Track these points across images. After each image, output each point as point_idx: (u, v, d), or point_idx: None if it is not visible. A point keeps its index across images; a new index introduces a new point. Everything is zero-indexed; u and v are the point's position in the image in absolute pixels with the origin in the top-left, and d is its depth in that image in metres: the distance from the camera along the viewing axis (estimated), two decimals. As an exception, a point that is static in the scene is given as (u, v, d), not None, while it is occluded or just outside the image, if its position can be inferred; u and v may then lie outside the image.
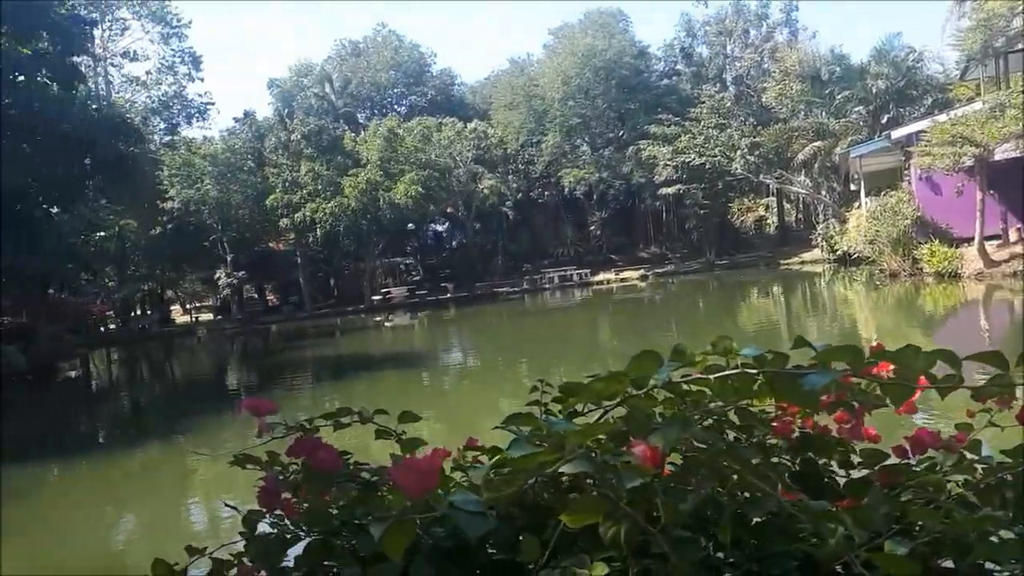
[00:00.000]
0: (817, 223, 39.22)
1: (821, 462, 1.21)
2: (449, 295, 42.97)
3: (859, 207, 30.31)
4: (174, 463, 11.78)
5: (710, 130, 40.79)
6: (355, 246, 41.87)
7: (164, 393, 21.67)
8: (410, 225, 43.45)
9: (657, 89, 48.27)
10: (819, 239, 37.14)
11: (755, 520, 1.07)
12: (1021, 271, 20.87)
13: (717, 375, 0.96)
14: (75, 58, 22.55)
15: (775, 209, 48.30)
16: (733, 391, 1.02)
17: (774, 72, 42.64)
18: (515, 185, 47.69)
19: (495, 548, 1.08)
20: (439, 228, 53.15)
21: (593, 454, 0.89)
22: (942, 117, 23.05)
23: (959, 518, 0.93)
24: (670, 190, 41.66)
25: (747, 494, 1.09)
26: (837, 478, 1.22)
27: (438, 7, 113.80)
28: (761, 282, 33.63)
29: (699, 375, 1.00)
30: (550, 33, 50.86)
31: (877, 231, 25.66)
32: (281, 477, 1.40)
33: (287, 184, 39.80)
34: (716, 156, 39.84)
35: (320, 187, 39.43)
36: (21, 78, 19.85)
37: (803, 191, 40.25)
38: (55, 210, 23.72)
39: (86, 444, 14.34)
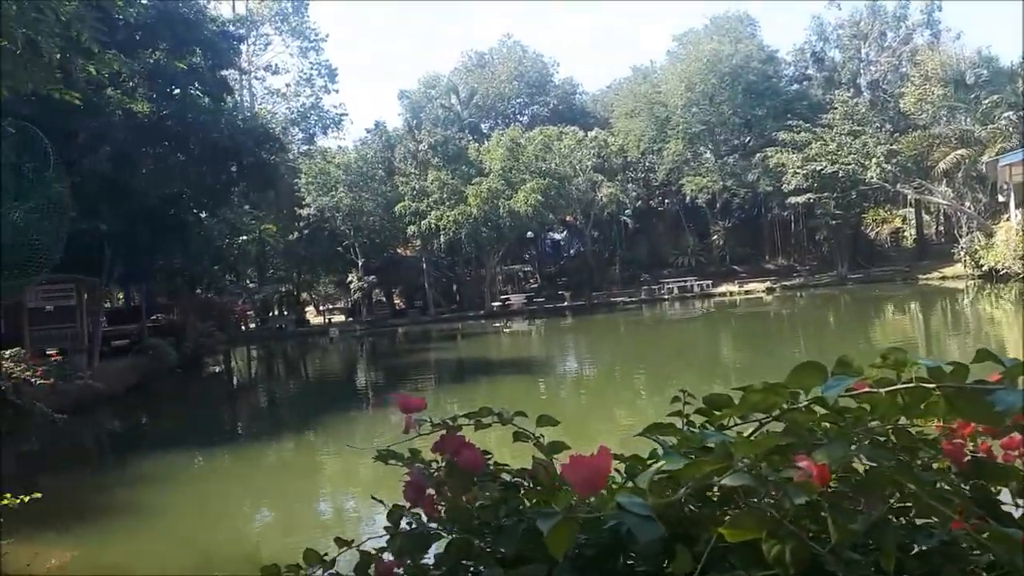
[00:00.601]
0: (960, 236, 36.59)
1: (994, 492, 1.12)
2: (566, 303, 42.99)
3: (1008, 220, 28.08)
4: (304, 457, 12.37)
5: (843, 137, 38.93)
6: (476, 253, 42.70)
7: (297, 390, 22.82)
8: (529, 233, 43.85)
9: (786, 95, 46.56)
10: (962, 253, 34.63)
11: (918, 548, 1.00)
12: None
13: (888, 388, 0.91)
14: (224, 72, 24.24)
15: (913, 221, 45.40)
16: (899, 408, 0.96)
17: (913, 76, 40.22)
18: (634, 193, 47.18)
19: (640, 559, 1.06)
20: (557, 236, 53.32)
21: (753, 469, 0.86)
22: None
23: None
24: (799, 199, 40.03)
25: (915, 520, 1.03)
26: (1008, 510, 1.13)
27: (562, 19, 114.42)
28: (897, 298, 31.69)
29: (867, 389, 0.95)
30: (674, 39, 50.12)
31: (1033, 245, 23.67)
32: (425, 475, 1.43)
33: (414, 192, 41.12)
34: (849, 164, 37.97)
35: (445, 195, 40.51)
36: (176, 91, 21.51)
37: (944, 202, 37.69)
38: (204, 215, 25.52)
39: (226, 435, 15.30)
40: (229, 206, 27.47)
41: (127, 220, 19.97)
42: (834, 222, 40.63)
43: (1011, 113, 35.26)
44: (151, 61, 19.20)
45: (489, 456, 1.44)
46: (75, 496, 9.81)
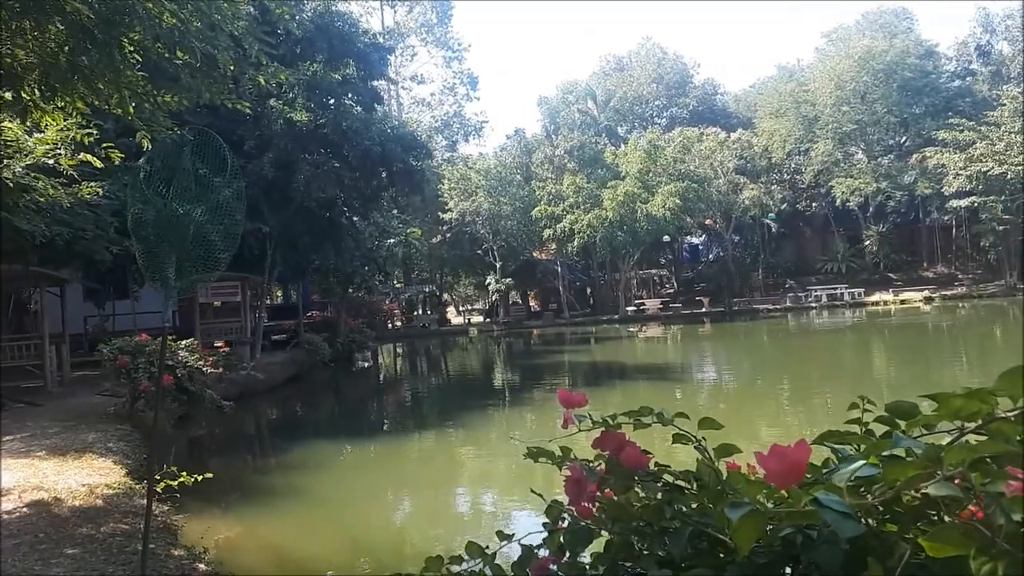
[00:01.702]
0: None
1: None
2: (704, 309, 41.85)
3: None
4: (444, 450, 12.75)
5: (1012, 136, 35.65)
6: (611, 256, 42.43)
7: (439, 386, 23.56)
8: (666, 237, 43.05)
9: (947, 91, 43.26)
10: None
11: None
12: None
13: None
14: (375, 82, 25.41)
15: (1096, 226, 40.84)
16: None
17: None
18: (779, 196, 45.28)
19: (821, 567, 1.02)
20: (695, 241, 52.03)
21: (962, 480, 0.81)
22: None
23: None
24: (962, 203, 37.03)
25: None
26: None
27: (704, 18, 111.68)
28: (1082, 312, 28.61)
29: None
30: (823, 36, 47.94)
31: None
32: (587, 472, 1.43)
33: (551, 196, 41.45)
34: (1019, 165, 34.70)
35: (580, 199, 40.55)
36: (332, 101, 22.77)
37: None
38: (356, 218, 26.88)
39: (373, 427, 16.04)
40: (379, 210, 28.77)
41: (287, 222, 21.37)
42: (1001, 228, 37.27)
43: None
44: (309, 73, 20.42)
45: (651, 456, 1.43)
46: (239, 478, 10.60)
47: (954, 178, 36.80)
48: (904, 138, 44.45)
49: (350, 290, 30.40)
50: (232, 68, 6.51)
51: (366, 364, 29.86)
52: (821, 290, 41.23)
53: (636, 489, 1.41)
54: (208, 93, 6.62)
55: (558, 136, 45.83)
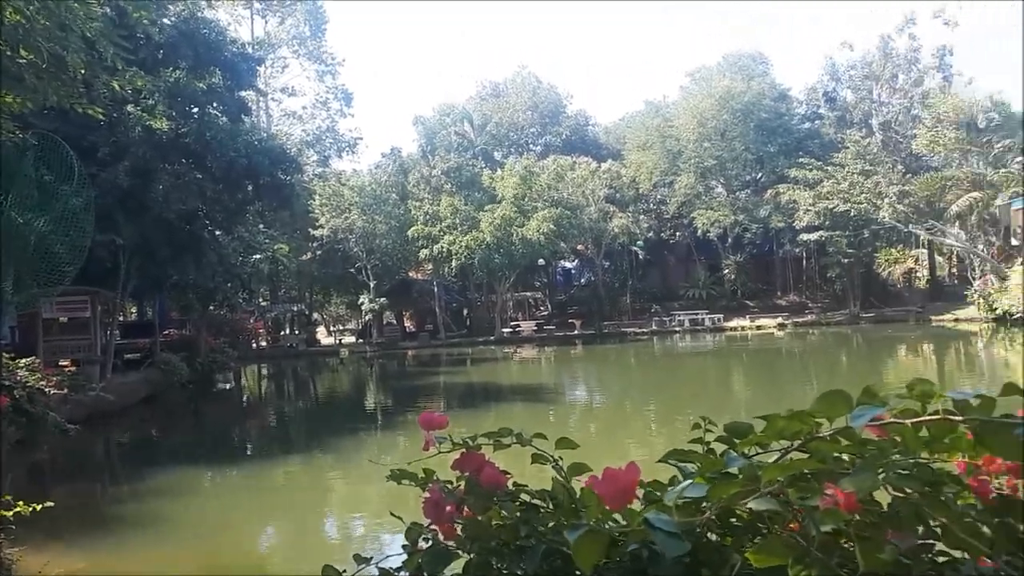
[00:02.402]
0: (973, 279, 36.44)
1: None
2: (576, 332, 42.89)
3: (1021, 263, 27.95)
4: (312, 476, 12.34)
5: (855, 176, 38.99)
6: (487, 279, 42.79)
7: (306, 409, 22.81)
8: (540, 261, 43.96)
9: (798, 133, 46.83)
10: (975, 296, 34.44)
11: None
12: None
13: (914, 420, 0.92)
14: (242, 92, 24.57)
15: (926, 262, 45.23)
16: (924, 442, 0.97)
17: (925, 119, 40.38)
18: (646, 225, 47.30)
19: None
20: (568, 265, 53.40)
21: (780, 495, 0.87)
22: None
23: None
24: (811, 236, 40.01)
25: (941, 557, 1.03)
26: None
27: (576, 51, 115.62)
28: (911, 339, 31.50)
29: (892, 419, 0.96)
30: (687, 75, 50.64)
31: (1045, 290, 23.52)
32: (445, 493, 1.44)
33: (427, 217, 41.37)
34: (862, 203, 37.98)
35: (458, 221, 40.73)
36: (195, 110, 21.82)
37: (957, 244, 37.60)
38: (219, 232, 25.72)
39: (235, 451, 15.30)
40: (244, 225, 27.69)
41: (143, 234, 20.13)
42: (846, 260, 40.56)
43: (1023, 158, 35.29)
44: (172, 80, 19.49)
45: (509, 476, 1.46)
46: (86, 507, 9.84)
47: (804, 213, 39.66)
48: (760, 174, 47.52)
49: (211, 307, 29.02)
50: (84, 71, 6.12)
51: (227, 385, 28.56)
52: (684, 315, 43.23)
53: (497, 509, 1.43)
54: (56, 96, 6.20)
55: (435, 157, 45.95)
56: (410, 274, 46.75)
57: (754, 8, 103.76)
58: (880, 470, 1.02)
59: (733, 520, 1.10)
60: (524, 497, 1.43)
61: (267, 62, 46.30)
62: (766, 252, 47.71)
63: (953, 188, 36.99)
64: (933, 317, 38.05)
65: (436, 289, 43.88)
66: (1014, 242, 33.24)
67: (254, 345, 40.81)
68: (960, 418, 0.87)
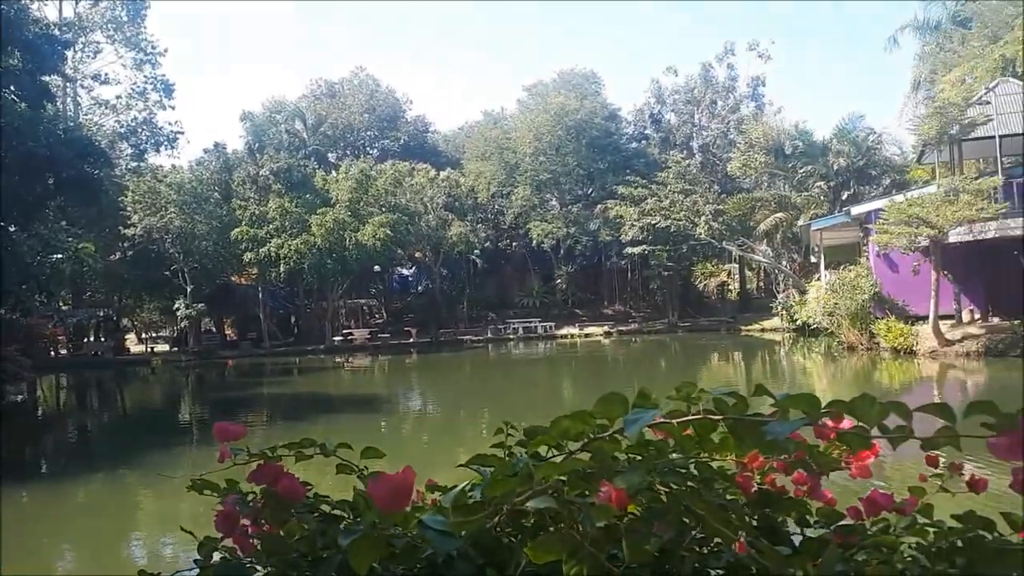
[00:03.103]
0: (777, 292, 40.01)
1: (779, 520, 1.23)
2: (412, 340, 42.63)
3: (819, 279, 31.02)
4: (117, 496, 11.39)
5: (676, 195, 41.66)
6: (318, 284, 41.54)
7: (112, 423, 21.05)
8: (376, 267, 43.33)
9: (626, 151, 49.40)
10: (779, 308, 37.81)
11: (715, 572, 1.09)
12: (974, 351, 21.49)
13: (680, 420, 0.99)
14: (45, 77, 22.38)
15: (737, 276, 49.21)
16: (694, 441, 1.05)
17: (739, 143, 43.95)
18: (484, 234, 48.05)
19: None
20: (405, 272, 53.10)
21: (557, 493, 0.91)
22: (899, 197, 23.85)
23: None
24: (636, 250, 42.28)
25: (707, 548, 1.11)
26: (793, 538, 1.25)
27: (416, 56, 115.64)
28: (722, 347, 34.02)
29: (661, 420, 1.03)
30: (524, 89, 52.11)
31: (836, 304, 26.26)
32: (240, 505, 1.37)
33: (253, 218, 39.54)
34: (681, 220, 40.62)
35: (287, 223, 39.26)
36: (-12, 93, 19.65)
37: (764, 260, 41.13)
38: (13, 228, 23.19)
39: (27, 470, 13.80)
40: (43, 221, 25.15)
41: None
42: (666, 273, 43.24)
43: (822, 183, 39.31)
44: (-39, 58, 17.52)
45: (309, 487, 1.42)
46: None
47: (630, 228, 41.83)
48: (591, 189, 49.66)
49: (1, 311, 26.06)
50: None
51: (19, 397, 25.82)
52: (518, 323, 44.23)
53: (298, 523, 1.38)
54: None
55: (263, 155, 44.10)
56: (232, 279, 44.42)
57: (592, 26, 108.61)
58: (655, 468, 1.09)
59: (524, 521, 1.13)
60: (324, 508, 1.40)
61: (77, 46, 42.50)
62: (595, 264, 49.92)
63: (762, 208, 40.45)
64: (742, 327, 41.33)
65: (261, 295, 42.02)
66: (813, 259, 36.80)
67: (52, 353, 37.13)
68: (719, 417, 0.95)
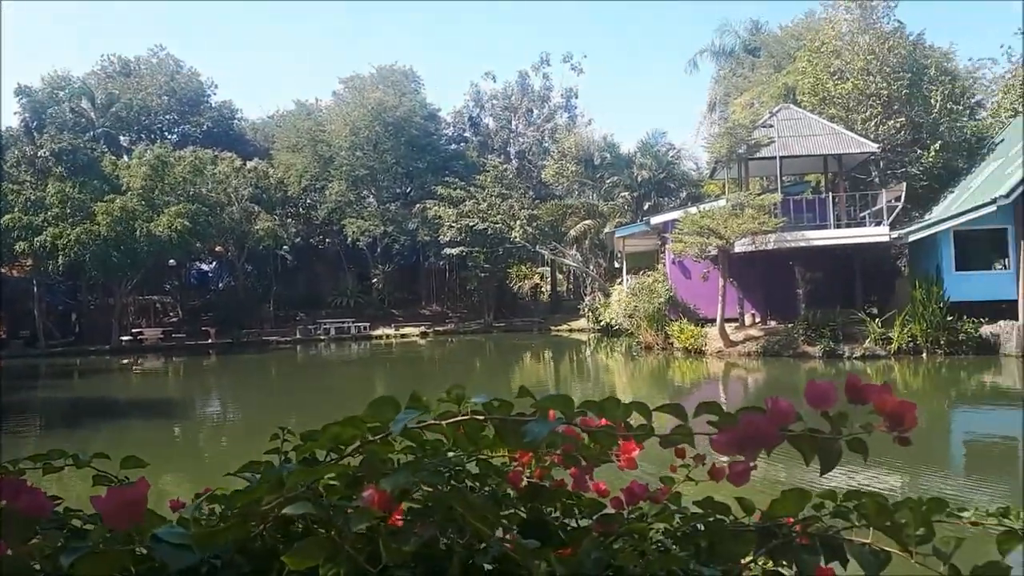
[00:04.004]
0: (585, 295, 42.08)
1: (551, 512, 1.30)
2: (211, 340, 40.12)
3: (621, 283, 32.99)
4: None
5: (493, 198, 42.59)
6: (104, 279, 38.04)
7: None
8: (171, 261, 40.43)
9: (445, 152, 49.80)
10: (586, 310, 39.78)
11: (489, 567, 1.12)
12: (754, 351, 23.81)
13: (448, 421, 1.01)
14: None
15: (549, 278, 51.17)
16: (466, 439, 1.07)
17: (553, 152, 45.80)
18: (294, 229, 46.37)
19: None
20: (205, 267, 50.01)
21: (322, 497, 0.89)
22: (693, 209, 25.95)
23: (653, 560, 1.05)
24: (454, 251, 42.71)
25: (482, 543, 1.14)
26: (570, 528, 1.32)
27: (222, 40, 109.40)
28: (533, 346, 35.19)
29: (433, 421, 1.04)
30: (340, 82, 50.85)
31: (635, 307, 28.10)
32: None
33: (28, 204, 35.52)
34: (498, 223, 41.57)
35: (68, 211, 35.60)
36: None
37: (574, 264, 43.11)
38: None
39: None
40: None
41: None
42: (483, 275, 44.05)
43: (627, 193, 41.90)
44: None
45: (59, 501, 1.29)
46: None
47: (448, 229, 42.18)
48: (410, 188, 49.51)
49: None
50: None
51: None
52: (331, 323, 43.08)
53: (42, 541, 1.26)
54: None
55: (43, 135, 39.76)
56: (2, 271, 39.64)
57: (411, 25, 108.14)
58: (434, 467, 1.11)
59: (294, 527, 1.10)
60: (75, 523, 1.29)
61: None
62: (413, 263, 49.81)
63: (572, 215, 42.39)
64: (553, 327, 43.03)
65: (36, 289, 37.84)
66: (617, 265, 39.07)
67: None
68: (483, 418, 0.98)
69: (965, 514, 1.22)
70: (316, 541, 0.86)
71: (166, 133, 51.85)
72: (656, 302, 27.43)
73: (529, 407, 0.98)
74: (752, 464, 0.93)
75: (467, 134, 53.48)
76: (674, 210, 30.51)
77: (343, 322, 43.19)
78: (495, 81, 53.17)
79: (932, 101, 30.34)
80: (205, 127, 51.30)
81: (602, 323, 34.72)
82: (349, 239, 45.24)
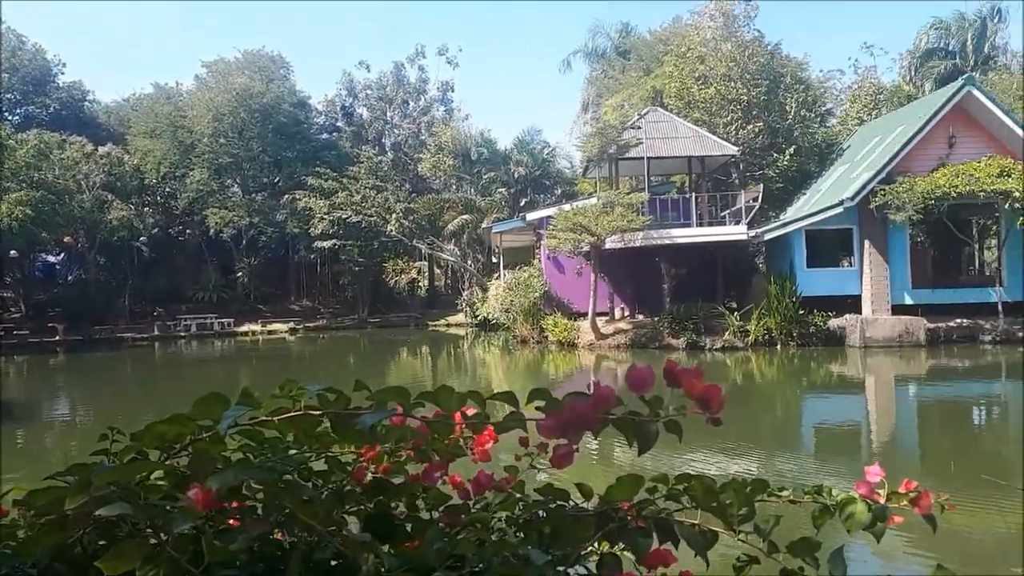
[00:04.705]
0: (463, 289, 42.17)
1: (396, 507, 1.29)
2: (58, 338, 37.22)
3: (498, 278, 33.29)
4: None
5: (367, 190, 41.86)
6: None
7: None
8: (13, 252, 37.21)
9: (316, 142, 48.36)
10: (463, 304, 39.86)
11: (332, 563, 1.10)
12: (623, 344, 24.65)
13: (281, 417, 0.99)
14: None
15: (426, 273, 50.87)
16: (304, 435, 1.05)
17: (430, 145, 45.51)
18: (152, 220, 43.74)
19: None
20: (51, 259, 46.32)
21: (140, 498, 0.85)
22: (567, 207, 26.54)
23: (488, 547, 1.06)
24: (326, 244, 41.63)
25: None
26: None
27: (71, 17, 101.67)
28: (410, 341, 34.91)
29: (265, 418, 1.01)
30: (203, 65, 48.20)
31: (512, 301, 28.45)
32: None
33: None
34: (372, 216, 40.92)
35: None
36: None
37: (452, 259, 43.11)
38: None
39: None
40: None
41: None
42: (357, 269, 43.18)
43: (504, 189, 42.28)
44: None
45: None
46: None
47: (319, 221, 41.04)
48: (278, 178, 47.72)
49: None
50: None
51: None
52: (192, 319, 41.00)
53: None
54: None
55: None
56: None
57: (279, 10, 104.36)
58: (271, 464, 1.08)
59: (118, 531, 1.04)
60: None
61: None
62: (282, 257, 48.11)
63: (450, 209, 42.32)
64: (430, 322, 42.83)
65: None
66: (495, 260, 39.37)
67: None
68: (319, 412, 0.96)
69: (784, 493, 1.31)
70: (133, 544, 0.82)
71: (7, 114, 47.49)
72: (532, 297, 27.89)
73: (365, 400, 0.97)
74: (575, 447, 0.96)
75: (340, 124, 52.21)
76: (549, 207, 31.06)
77: (205, 318, 41.17)
78: (369, 71, 52.22)
79: (787, 108, 32.41)
80: (52, 109, 47.45)
81: (479, 318, 34.92)
82: (212, 230, 43.12)
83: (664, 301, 25.49)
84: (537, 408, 0.90)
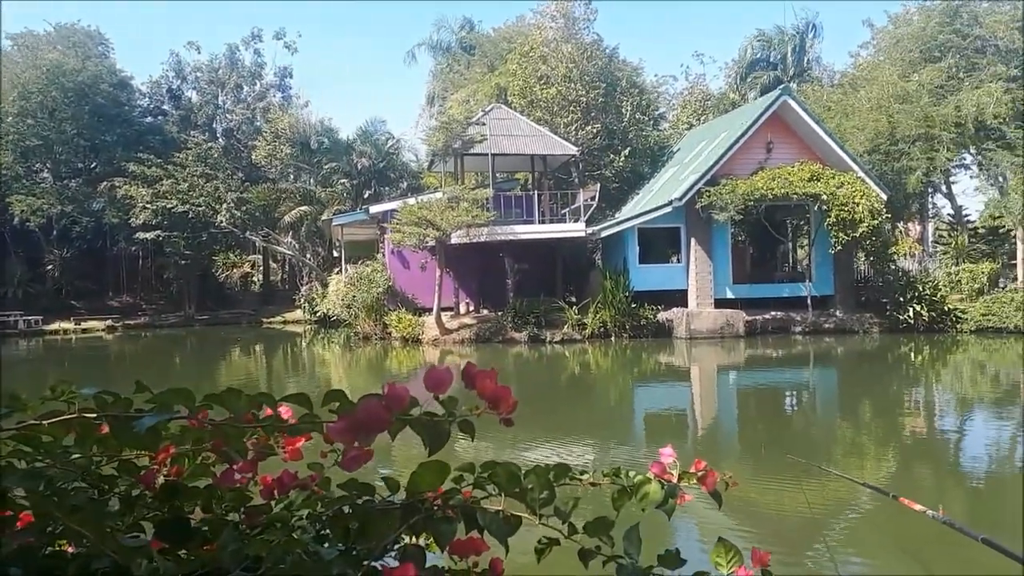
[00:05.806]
0: (301, 285, 40.78)
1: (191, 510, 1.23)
2: None
3: (339, 273, 32.49)
4: None
5: (196, 178, 39.54)
6: None
7: None
8: None
9: (139, 125, 45.02)
10: (302, 300, 38.58)
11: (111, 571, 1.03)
12: (468, 339, 24.85)
13: (52, 420, 0.92)
14: None
15: (261, 267, 48.73)
16: (84, 439, 0.98)
17: (265, 132, 43.60)
18: (-54, 207, 39.01)
19: None
20: None
21: None
22: (412, 200, 26.38)
23: (278, 545, 1.05)
24: (149, 235, 38.86)
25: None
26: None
27: None
28: (243, 340, 33.34)
29: (33, 421, 0.94)
30: (8, 38, 43.59)
31: (354, 296, 27.88)
32: None
33: None
34: (200, 206, 38.71)
35: None
36: None
37: (289, 252, 41.59)
38: None
39: None
40: None
41: None
42: (184, 262, 40.65)
43: (346, 180, 41.26)
44: None
45: None
46: None
47: (141, 211, 38.26)
48: (95, 164, 43.96)
49: None
50: None
51: None
52: (-7, 317, 36.98)
53: None
54: None
55: None
56: None
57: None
58: (54, 469, 1.00)
59: None
60: None
61: None
62: (98, 249, 44.25)
63: (287, 200, 40.75)
64: (265, 319, 41.07)
65: None
66: (336, 253, 38.36)
67: None
68: (95, 415, 0.90)
69: (585, 476, 1.38)
70: None
71: None
72: (375, 292, 27.49)
73: (145, 402, 0.92)
74: (367, 448, 0.96)
75: (166, 107, 48.79)
76: (394, 200, 30.69)
77: (8, 315, 37.21)
78: (200, 52, 49.23)
79: (623, 111, 33.96)
80: None
81: (319, 314, 33.96)
82: (17, 219, 39.03)
83: (508, 296, 25.96)
84: (331, 410, 0.89)
